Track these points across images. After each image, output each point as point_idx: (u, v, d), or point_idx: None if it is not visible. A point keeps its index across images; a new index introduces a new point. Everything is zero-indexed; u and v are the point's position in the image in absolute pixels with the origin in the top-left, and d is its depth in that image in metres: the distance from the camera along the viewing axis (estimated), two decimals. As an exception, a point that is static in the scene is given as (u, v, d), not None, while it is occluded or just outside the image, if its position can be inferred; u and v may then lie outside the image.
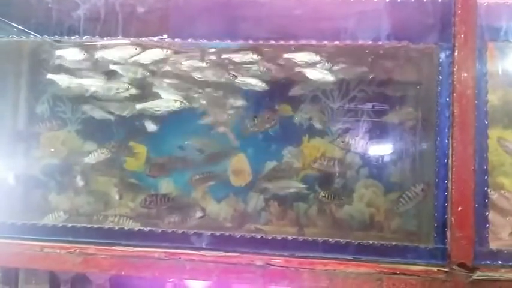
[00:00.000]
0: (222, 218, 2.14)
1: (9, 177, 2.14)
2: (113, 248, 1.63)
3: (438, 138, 1.62)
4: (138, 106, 2.07)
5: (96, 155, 2.13)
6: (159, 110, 2.05)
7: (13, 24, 1.96)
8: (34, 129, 2.24)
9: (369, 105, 2.10)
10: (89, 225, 1.70)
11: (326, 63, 1.94)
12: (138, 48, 1.96)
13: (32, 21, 1.89)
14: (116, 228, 1.72)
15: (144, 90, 2.10)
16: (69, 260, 1.63)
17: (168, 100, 2.03)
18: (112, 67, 2.04)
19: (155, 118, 2.14)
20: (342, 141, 2.08)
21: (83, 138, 2.28)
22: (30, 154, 2.27)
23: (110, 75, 2.08)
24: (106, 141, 2.20)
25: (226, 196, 2.20)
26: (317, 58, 1.88)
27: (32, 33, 1.89)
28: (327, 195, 2.06)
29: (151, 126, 2.13)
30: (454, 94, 1.58)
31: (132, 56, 1.97)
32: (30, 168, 2.24)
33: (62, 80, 2.07)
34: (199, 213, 2.03)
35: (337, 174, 2.10)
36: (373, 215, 2.06)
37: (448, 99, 1.60)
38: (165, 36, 1.86)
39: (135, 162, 2.23)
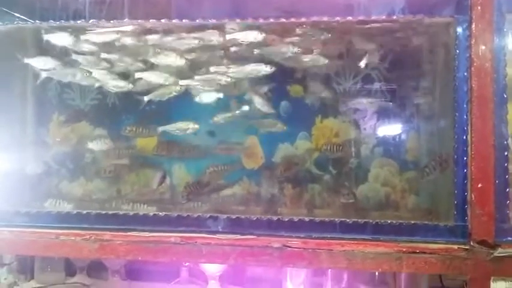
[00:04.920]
0: (236, 201, 2.12)
1: (20, 166, 2.12)
2: (129, 233, 1.62)
3: (456, 114, 1.58)
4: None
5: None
6: None
7: (14, 13, 1.93)
8: (44, 119, 2.24)
9: (382, 83, 2.05)
10: (103, 212, 1.69)
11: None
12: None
13: (37, 6, 1.86)
14: (131, 213, 1.70)
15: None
16: (86, 247, 1.63)
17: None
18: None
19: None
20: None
21: (92, 124, 2.26)
22: (40, 142, 2.25)
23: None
24: (116, 127, 2.19)
25: (240, 179, 2.17)
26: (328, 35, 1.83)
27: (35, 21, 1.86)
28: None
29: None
30: (472, 68, 1.54)
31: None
32: (41, 156, 2.23)
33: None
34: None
35: (353, 154, 2.07)
36: (388, 194, 2.04)
37: (465, 74, 1.56)
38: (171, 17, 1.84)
39: (147, 147, 2.21)
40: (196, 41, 1.89)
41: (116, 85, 2.03)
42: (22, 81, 2.19)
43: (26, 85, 2.20)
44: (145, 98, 2.02)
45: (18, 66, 2.07)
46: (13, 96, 2.19)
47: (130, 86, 2.02)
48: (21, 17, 1.93)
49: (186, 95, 2.05)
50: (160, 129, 2.09)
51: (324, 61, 1.95)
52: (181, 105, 2.10)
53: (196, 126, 2.03)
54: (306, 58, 1.95)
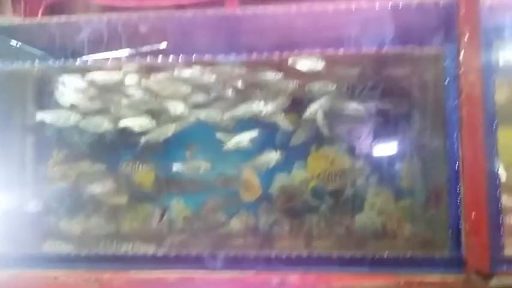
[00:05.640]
0: (234, 235, 2.12)
1: (19, 204, 2.13)
2: (128, 273, 1.63)
3: (447, 143, 1.60)
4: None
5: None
6: None
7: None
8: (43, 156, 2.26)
9: (375, 111, 2.07)
10: (102, 252, 1.70)
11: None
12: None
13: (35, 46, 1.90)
14: (130, 253, 1.72)
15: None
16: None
17: None
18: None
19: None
20: None
21: (91, 160, 2.26)
22: (39, 180, 2.27)
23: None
24: (114, 162, 2.20)
25: (237, 212, 2.17)
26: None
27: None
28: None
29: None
30: (462, 97, 1.56)
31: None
32: (40, 194, 2.24)
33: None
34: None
35: (349, 184, 2.08)
36: (385, 223, 2.05)
37: (455, 102, 1.58)
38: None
39: (145, 182, 2.22)
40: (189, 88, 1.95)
41: (139, 124, 2.04)
42: (21, 119, 2.22)
43: (25, 123, 2.23)
44: (142, 140, 2.05)
45: (17, 104, 2.10)
46: (12, 133, 2.21)
47: (154, 122, 2.04)
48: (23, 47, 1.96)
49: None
50: (174, 168, 2.11)
51: (331, 87, 1.98)
52: (177, 139, 2.12)
53: (209, 164, 2.05)
54: (314, 85, 1.98)
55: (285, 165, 2.15)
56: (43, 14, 2.26)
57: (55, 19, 1.85)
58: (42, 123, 2.05)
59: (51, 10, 2.30)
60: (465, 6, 1.59)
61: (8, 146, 2.18)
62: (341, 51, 1.78)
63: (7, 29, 1.92)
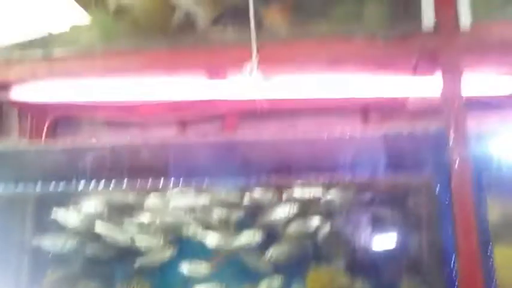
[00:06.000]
0: None
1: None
2: None
3: (445, 269, 1.62)
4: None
5: None
6: None
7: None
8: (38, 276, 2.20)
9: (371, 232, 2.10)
10: None
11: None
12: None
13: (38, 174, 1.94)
14: None
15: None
16: None
17: None
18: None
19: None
20: None
21: (86, 279, 2.21)
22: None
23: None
24: (109, 280, 2.16)
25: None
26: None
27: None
28: None
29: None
30: (456, 226, 1.61)
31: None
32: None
33: None
34: None
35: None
36: None
37: (449, 228, 1.63)
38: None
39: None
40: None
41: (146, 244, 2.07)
42: (19, 240, 2.20)
43: (22, 244, 2.21)
44: (136, 264, 2.05)
45: (15, 224, 2.10)
46: (9, 253, 2.18)
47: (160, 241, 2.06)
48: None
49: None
50: None
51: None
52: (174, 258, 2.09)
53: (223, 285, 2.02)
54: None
55: (284, 284, 2.12)
56: (48, 129, 2.38)
57: (59, 143, 1.93)
58: (38, 247, 2.05)
59: (56, 126, 2.44)
60: (454, 134, 1.69)
61: (3, 265, 2.14)
62: (335, 177, 1.86)
63: (11, 153, 1.97)
